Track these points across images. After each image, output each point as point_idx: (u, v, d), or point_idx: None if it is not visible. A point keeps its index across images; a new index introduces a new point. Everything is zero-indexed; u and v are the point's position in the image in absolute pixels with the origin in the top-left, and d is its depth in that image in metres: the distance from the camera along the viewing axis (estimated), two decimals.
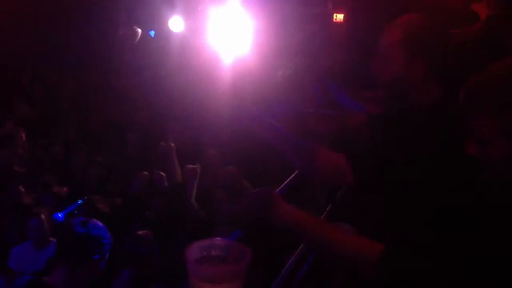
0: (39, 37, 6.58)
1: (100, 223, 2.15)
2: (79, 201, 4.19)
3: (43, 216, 3.95)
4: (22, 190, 4.41)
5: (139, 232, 3.68)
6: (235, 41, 5.84)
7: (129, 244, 3.76)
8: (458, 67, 1.69)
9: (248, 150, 4.85)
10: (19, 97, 6.18)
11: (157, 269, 3.64)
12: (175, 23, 6.46)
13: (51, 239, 3.93)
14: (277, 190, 2.06)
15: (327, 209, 2.51)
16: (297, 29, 6.46)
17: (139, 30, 6.84)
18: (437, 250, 1.19)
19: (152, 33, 6.94)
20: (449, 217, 1.32)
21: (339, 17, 7.05)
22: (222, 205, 4.04)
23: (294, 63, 6.20)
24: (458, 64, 1.71)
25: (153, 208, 4.29)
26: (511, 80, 1.10)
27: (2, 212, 4.28)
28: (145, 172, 4.69)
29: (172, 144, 4.69)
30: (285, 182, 2.26)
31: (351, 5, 6.95)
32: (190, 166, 4.29)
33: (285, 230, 1.39)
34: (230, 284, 1.09)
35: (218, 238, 1.21)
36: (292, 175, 2.25)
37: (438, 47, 1.63)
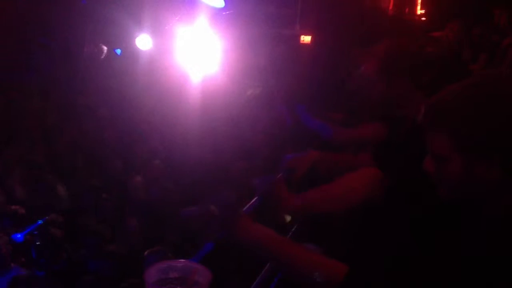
0: (1, 53, 6.42)
1: None
2: (39, 222, 4.08)
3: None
4: None
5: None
6: (204, 60, 5.89)
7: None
8: (436, 78, 1.82)
9: (218, 167, 4.81)
10: None
11: None
12: (143, 41, 6.44)
13: (12, 264, 3.75)
14: (245, 208, 2.05)
15: (293, 229, 2.52)
16: (266, 50, 6.54)
17: (105, 48, 6.78)
18: (400, 272, 1.18)
19: (118, 51, 6.88)
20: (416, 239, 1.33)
21: (306, 38, 7.20)
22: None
23: (263, 83, 6.27)
24: (435, 76, 1.84)
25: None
26: (467, 99, 1.13)
27: None
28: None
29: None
30: (252, 200, 2.25)
31: (318, 27, 7.09)
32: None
33: (250, 247, 1.38)
34: None
35: (178, 260, 1.18)
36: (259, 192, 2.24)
37: (413, 64, 1.81)
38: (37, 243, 3.91)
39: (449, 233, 1.19)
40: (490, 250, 1.07)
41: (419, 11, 8.09)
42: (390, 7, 7.73)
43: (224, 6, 5.56)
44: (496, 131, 1.08)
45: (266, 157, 4.74)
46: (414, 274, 1.13)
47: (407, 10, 8.01)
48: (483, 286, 1.05)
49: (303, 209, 1.89)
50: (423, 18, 7.93)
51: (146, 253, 3.40)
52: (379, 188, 1.76)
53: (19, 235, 3.90)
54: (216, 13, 5.74)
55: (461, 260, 1.09)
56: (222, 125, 5.54)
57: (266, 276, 2.25)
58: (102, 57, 6.78)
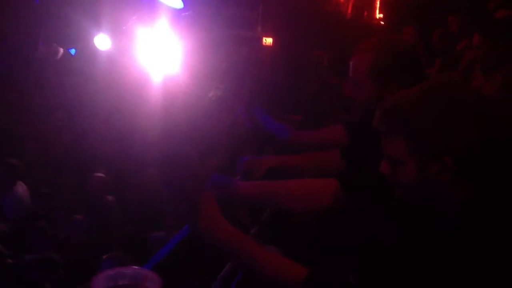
0: None
1: None
2: None
3: None
4: None
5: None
6: (164, 61, 5.83)
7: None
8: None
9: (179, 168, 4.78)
10: None
11: None
12: (101, 41, 6.30)
13: None
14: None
15: (253, 231, 2.51)
16: (227, 51, 6.53)
17: (60, 48, 6.59)
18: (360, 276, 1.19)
19: (73, 51, 6.70)
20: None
21: (268, 40, 7.23)
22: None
23: (224, 85, 6.25)
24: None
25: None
26: (423, 104, 1.13)
27: None
28: None
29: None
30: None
31: (280, 29, 7.15)
32: None
33: (212, 241, 1.29)
34: None
35: (128, 266, 1.14)
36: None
37: (405, 68, 1.73)
38: None
39: (420, 234, 1.20)
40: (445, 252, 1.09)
41: (378, 15, 8.25)
42: (349, 11, 7.87)
43: (184, 7, 5.52)
44: (452, 134, 1.10)
45: (226, 158, 4.74)
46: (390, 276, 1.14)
47: (366, 14, 8.16)
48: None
49: (261, 198, 1.88)
50: (382, 22, 8.10)
51: (104, 257, 3.34)
52: (337, 201, 1.76)
53: None
54: (176, 14, 5.69)
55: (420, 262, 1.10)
56: (183, 127, 5.50)
57: (221, 284, 2.21)
58: (58, 57, 6.59)
